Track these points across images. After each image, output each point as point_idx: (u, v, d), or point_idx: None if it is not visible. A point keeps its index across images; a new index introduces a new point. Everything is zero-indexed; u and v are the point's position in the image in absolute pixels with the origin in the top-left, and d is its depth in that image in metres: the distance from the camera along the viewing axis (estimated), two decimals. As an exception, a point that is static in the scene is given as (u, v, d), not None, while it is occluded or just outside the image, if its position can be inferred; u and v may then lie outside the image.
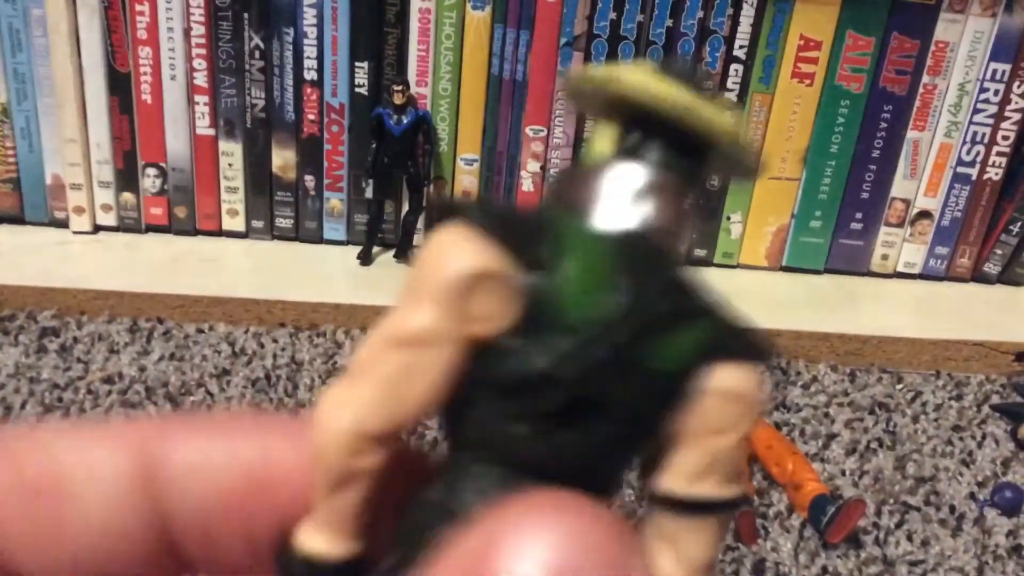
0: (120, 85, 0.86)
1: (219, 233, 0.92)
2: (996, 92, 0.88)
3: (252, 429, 0.18)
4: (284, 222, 0.92)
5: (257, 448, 0.17)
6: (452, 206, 0.16)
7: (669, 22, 0.85)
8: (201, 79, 0.86)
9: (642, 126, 0.17)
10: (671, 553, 0.17)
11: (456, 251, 0.15)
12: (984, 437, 0.77)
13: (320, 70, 0.86)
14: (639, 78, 0.16)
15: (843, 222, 0.93)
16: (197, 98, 0.87)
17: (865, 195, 0.92)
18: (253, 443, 0.17)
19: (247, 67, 0.86)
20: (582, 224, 0.16)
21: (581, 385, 0.15)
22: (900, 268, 0.96)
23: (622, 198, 0.17)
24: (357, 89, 0.86)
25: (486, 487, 0.16)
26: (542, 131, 0.89)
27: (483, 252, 0.15)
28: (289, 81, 0.86)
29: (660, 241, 0.17)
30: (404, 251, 0.90)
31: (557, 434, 0.16)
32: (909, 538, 0.66)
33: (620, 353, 0.15)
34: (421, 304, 0.15)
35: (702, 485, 0.17)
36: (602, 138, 0.17)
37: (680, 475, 0.17)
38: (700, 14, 0.84)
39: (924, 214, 0.93)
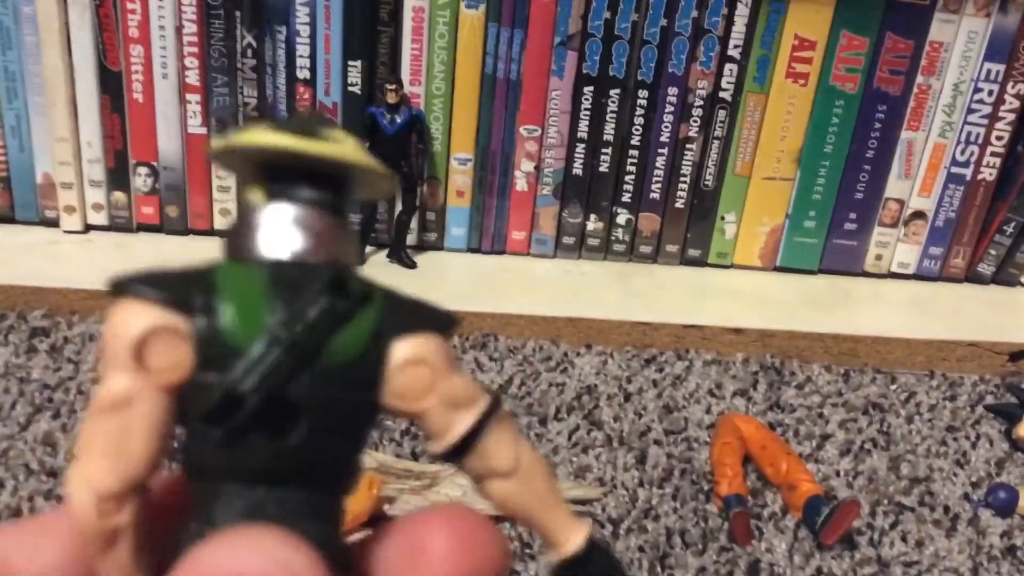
0: (111, 83, 0.85)
1: (211, 232, 0.91)
2: (990, 92, 0.88)
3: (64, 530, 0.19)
4: (277, 221, 0.91)
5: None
6: (116, 283, 0.19)
7: (663, 21, 0.85)
8: (193, 78, 0.85)
9: (280, 175, 0.20)
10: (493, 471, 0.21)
11: (124, 318, 0.18)
12: (978, 438, 0.77)
13: (313, 69, 0.85)
14: (251, 136, 0.20)
15: (837, 222, 0.93)
16: (189, 97, 0.86)
17: (859, 195, 0.92)
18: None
19: (239, 66, 0.85)
20: (237, 266, 0.19)
21: (263, 395, 0.18)
22: (894, 268, 0.96)
23: (274, 234, 0.20)
24: (350, 88, 0.86)
25: (233, 507, 0.18)
26: (536, 130, 0.89)
27: (146, 313, 0.18)
28: (282, 80, 0.86)
29: (315, 261, 0.20)
30: (397, 251, 0.89)
31: (265, 444, 0.18)
32: (903, 539, 0.66)
33: (291, 357, 0.18)
34: (112, 373, 0.18)
35: (459, 421, 0.20)
36: (253, 192, 0.21)
37: (439, 439, 0.20)
38: (694, 13, 0.84)
39: (918, 214, 0.93)
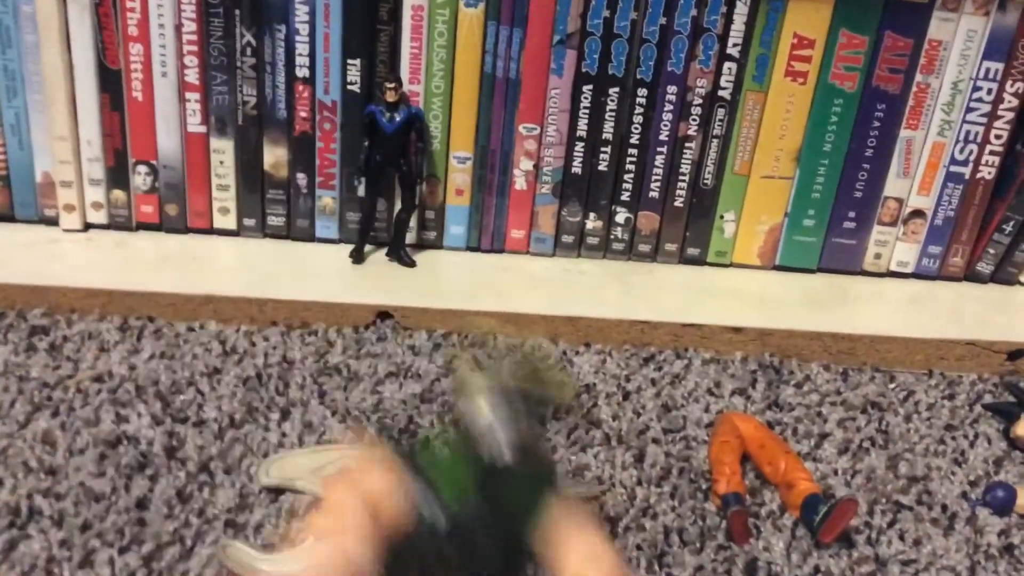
0: (111, 82, 0.85)
1: (210, 231, 0.91)
2: (989, 91, 0.88)
3: None
4: (276, 220, 0.91)
5: None
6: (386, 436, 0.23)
7: (663, 20, 0.85)
8: (192, 76, 0.85)
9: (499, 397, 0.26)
10: None
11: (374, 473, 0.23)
12: (976, 436, 0.77)
13: (312, 67, 0.85)
14: (506, 380, 0.26)
15: (836, 221, 0.93)
16: (188, 95, 0.86)
17: (858, 194, 0.92)
18: None
19: (239, 64, 0.85)
20: (463, 459, 0.25)
21: (459, 535, 0.23)
22: (893, 267, 0.96)
23: (488, 443, 0.25)
24: (349, 86, 0.86)
25: None
26: (535, 129, 0.89)
27: (386, 475, 0.23)
28: (281, 78, 0.86)
29: (513, 460, 0.25)
30: (396, 249, 0.89)
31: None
32: (901, 537, 0.66)
33: (480, 519, 0.24)
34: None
35: None
36: (480, 406, 0.26)
37: None
38: (693, 12, 0.84)
39: (917, 213, 0.93)
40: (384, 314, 0.83)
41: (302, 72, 0.85)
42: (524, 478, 0.24)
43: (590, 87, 0.87)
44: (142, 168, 0.89)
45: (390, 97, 0.83)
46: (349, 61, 0.85)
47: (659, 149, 0.90)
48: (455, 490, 0.23)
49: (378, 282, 0.86)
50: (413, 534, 0.22)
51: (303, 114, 0.87)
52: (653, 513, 0.65)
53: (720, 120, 0.89)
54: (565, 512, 0.24)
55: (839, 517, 0.63)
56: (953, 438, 0.76)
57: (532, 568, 0.24)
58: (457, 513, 0.23)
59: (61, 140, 0.86)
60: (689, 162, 0.91)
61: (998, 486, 0.70)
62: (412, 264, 0.90)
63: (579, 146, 0.89)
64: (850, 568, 0.63)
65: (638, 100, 0.88)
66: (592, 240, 0.94)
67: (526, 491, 0.24)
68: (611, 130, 0.89)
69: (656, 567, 0.61)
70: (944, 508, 0.69)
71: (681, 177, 0.91)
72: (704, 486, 0.68)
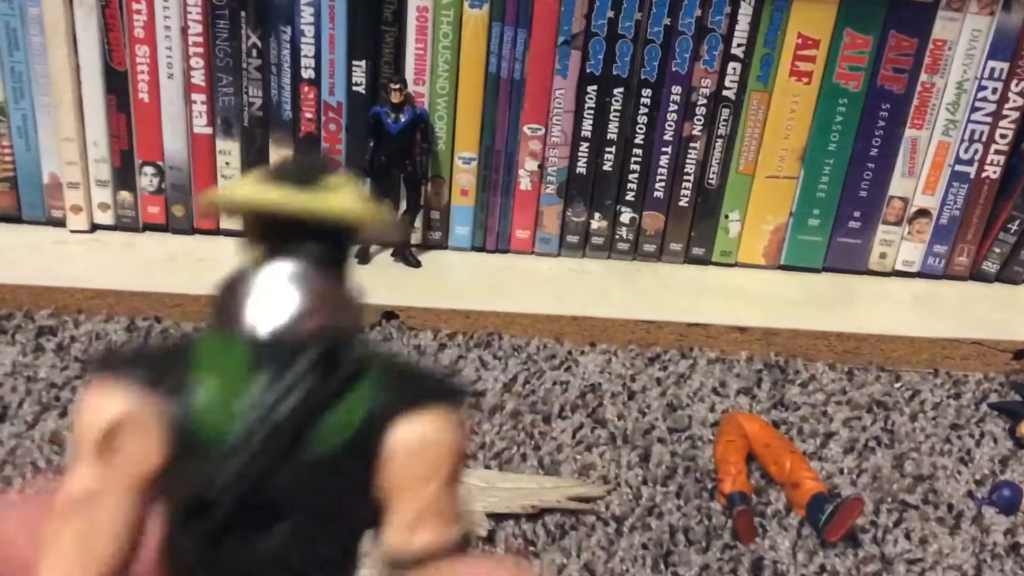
0: (117, 83, 0.86)
1: (217, 232, 0.92)
2: (994, 90, 0.88)
3: None
4: (282, 221, 0.91)
5: None
6: (98, 362, 0.17)
7: (667, 20, 0.85)
8: (198, 78, 0.86)
9: (279, 227, 0.18)
10: None
11: (94, 405, 0.16)
12: (982, 435, 0.77)
13: (317, 69, 0.86)
14: (246, 191, 0.18)
15: (841, 220, 0.93)
16: (194, 96, 0.86)
17: (863, 193, 0.92)
18: None
19: (244, 66, 0.86)
20: (220, 340, 0.17)
21: (236, 496, 0.16)
22: (898, 266, 0.96)
23: (266, 300, 0.18)
24: (354, 88, 0.86)
25: None
26: (540, 129, 0.89)
27: (116, 400, 0.16)
28: (287, 80, 0.86)
29: (310, 327, 0.17)
30: (401, 250, 0.90)
31: (245, 547, 0.16)
32: (907, 536, 0.66)
33: (267, 452, 0.16)
34: (77, 467, 0.16)
35: (420, 535, 0.17)
36: (250, 250, 0.19)
37: (397, 530, 0.17)
38: (698, 12, 0.84)
39: (922, 212, 0.93)
40: (390, 314, 0.83)
41: (307, 73, 0.86)
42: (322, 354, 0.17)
43: (595, 87, 0.87)
44: (148, 169, 0.89)
45: (395, 98, 0.83)
46: (354, 62, 0.85)
47: (664, 149, 0.90)
48: (217, 393, 0.16)
49: (383, 282, 0.87)
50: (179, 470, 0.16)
51: (308, 115, 0.87)
52: (659, 512, 0.65)
53: (725, 120, 0.89)
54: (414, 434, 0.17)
55: (845, 516, 0.63)
56: (959, 437, 0.76)
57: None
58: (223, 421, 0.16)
59: (68, 141, 0.87)
60: (694, 162, 0.91)
61: (1004, 485, 0.70)
62: (417, 264, 0.90)
63: (584, 146, 0.90)
64: (856, 567, 0.63)
65: (642, 100, 0.88)
66: (597, 240, 0.94)
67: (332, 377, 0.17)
68: (616, 130, 0.89)
69: (662, 566, 0.61)
70: (950, 507, 0.69)
71: (686, 177, 0.91)
72: (710, 485, 0.68)
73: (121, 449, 0.16)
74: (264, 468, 0.16)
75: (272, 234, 0.19)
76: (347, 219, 0.18)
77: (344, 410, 0.17)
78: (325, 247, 0.18)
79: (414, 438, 0.17)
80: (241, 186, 0.18)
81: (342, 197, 0.18)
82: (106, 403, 0.16)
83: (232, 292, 0.18)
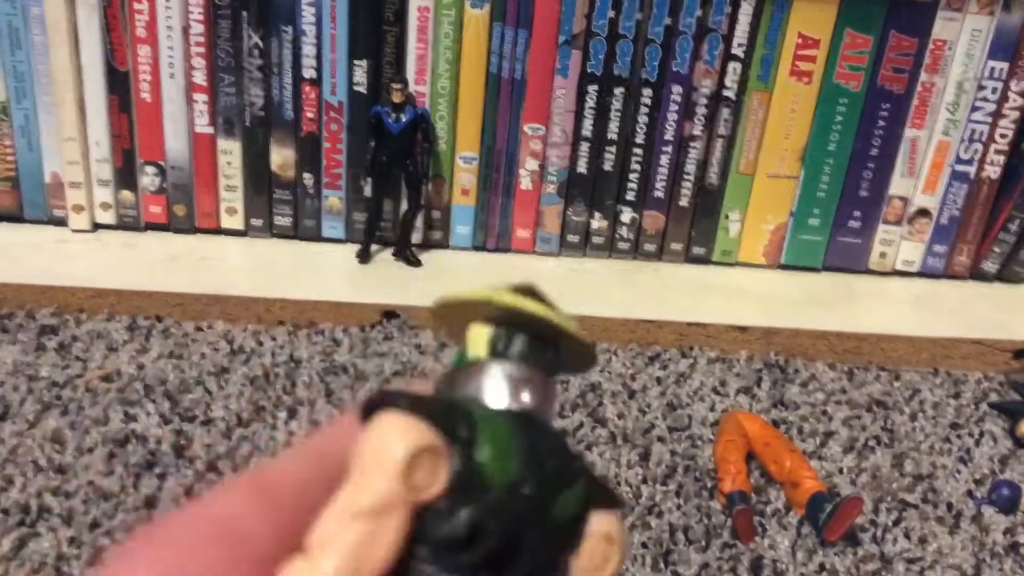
0: (119, 83, 0.86)
1: (218, 231, 0.92)
2: (994, 90, 0.88)
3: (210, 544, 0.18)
4: (283, 220, 0.92)
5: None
6: (384, 397, 0.19)
7: (668, 20, 0.85)
8: (200, 77, 0.86)
9: (506, 332, 0.21)
10: None
11: (398, 431, 0.18)
12: (982, 435, 0.77)
13: (319, 68, 0.86)
14: (513, 298, 0.21)
15: (841, 220, 0.93)
16: (196, 96, 0.87)
17: (863, 193, 0.92)
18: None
19: (246, 65, 0.86)
20: (485, 407, 0.20)
21: (500, 536, 0.18)
22: (898, 266, 0.96)
23: (506, 388, 0.20)
24: (356, 87, 0.86)
25: None
26: (541, 129, 0.89)
27: (421, 431, 0.18)
28: (288, 79, 0.86)
29: (540, 416, 0.20)
30: (403, 249, 0.90)
31: None
32: (907, 535, 0.66)
33: (532, 505, 0.19)
34: (374, 479, 0.18)
35: None
36: (476, 344, 0.21)
37: None
38: (699, 12, 0.85)
39: (922, 212, 0.94)
40: (390, 313, 0.83)
41: (309, 73, 0.86)
42: (557, 436, 0.20)
43: (595, 87, 0.87)
44: (150, 169, 0.89)
45: (396, 98, 0.84)
46: (355, 62, 0.86)
47: (664, 149, 0.90)
48: (495, 447, 0.19)
49: (384, 282, 0.87)
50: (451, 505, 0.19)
51: (310, 115, 0.88)
52: (659, 511, 0.66)
53: (725, 120, 0.89)
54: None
55: (844, 515, 0.63)
56: (959, 436, 0.76)
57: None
58: (497, 476, 0.19)
59: (70, 141, 0.87)
60: (694, 162, 0.91)
61: (1004, 484, 0.70)
62: (418, 264, 0.90)
63: (584, 146, 0.90)
64: (855, 566, 0.63)
65: (643, 100, 0.88)
66: (597, 240, 0.94)
67: (567, 453, 0.20)
68: (616, 130, 0.89)
69: (662, 565, 0.62)
70: (949, 506, 0.69)
71: (686, 177, 0.91)
72: (709, 484, 0.68)
73: (416, 474, 0.18)
74: (527, 517, 0.19)
75: (496, 341, 0.21)
76: (567, 333, 0.21)
77: (576, 489, 0.20)
78: (544, 355, 0.21)
79: (606, 530, 0.20)
80: (506, 296, 0.21)
81: (569, 319, 0.21)
82: (408, 432, 0.18)
83: (469, 379, 0.21)
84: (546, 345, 0.21)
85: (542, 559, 0.19)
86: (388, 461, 0.18)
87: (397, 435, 0.18)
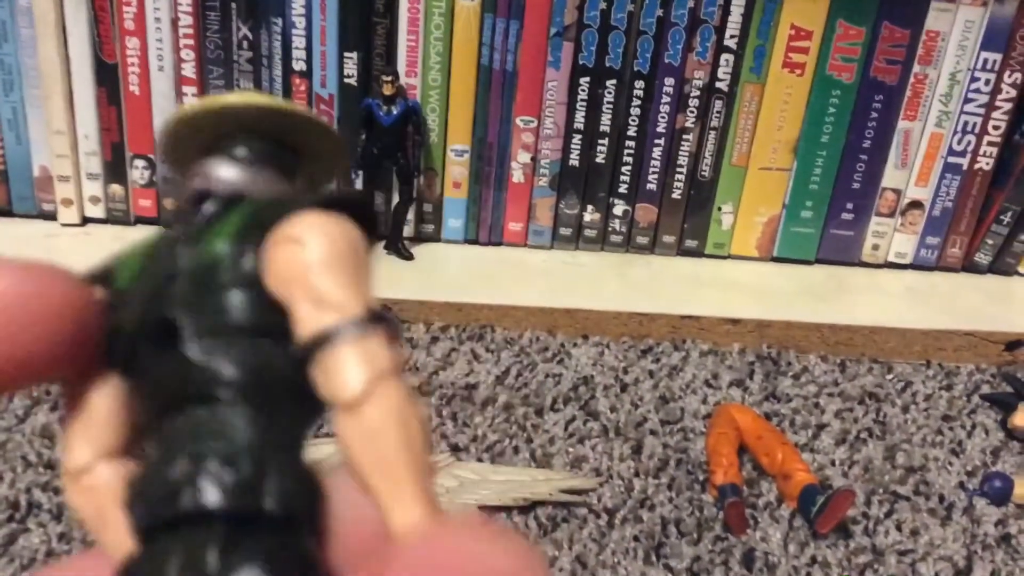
0: (108, 76, 0.85)
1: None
2: (987, 81, 0.88)
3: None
4: (274, 214, 0.91)
5: None
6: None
7: (660, 11, 0.84)
8: (189, 70, 0.85)
9: (237, 137, 0.19)
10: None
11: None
12: (974, 427, 0.77)
13: (309, 61, 0.85)
14: (238, 96, 0.19)
15: (834, 212, 0.93)
16: (185, 89, 0.86)
17: (856, 185, 0.92)
18: None
19: (235, 58, 0.85)
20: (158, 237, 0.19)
21: (141, 320, 0.17)
22: (891, 258, 0.96)
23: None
24: (346, 80, 0.86)
25: (180, 432, 0.17)
26: (532, 121, 0.89)
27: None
28: (278, 72, 0.86)
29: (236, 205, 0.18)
30: (394, 242, 0.89)
31: (166, 366, 0.17)
32: (898, 528, 0.66)
33: (156, 277, 0.18)
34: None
35: (309, 325, 0.17)
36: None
37: (302, 326, 0.17)
38: (691, 3, 0.84)
39: (915, 204, 0.93)
40: (382, 307, 0.83)
41: (299, 66, 0.85)
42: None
43: (587, 79, 0.87)
44: (140, 162, 0.89)
45: (387, 90, 0.83)
46: (346, 54, 0.85)
47: (656, 141, 0.90)
48: (126, 265, 0.18)
49: (376, 275, 0.86)
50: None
51: (300, 107, 0.87)
52: (651, 504, 0.65)
53: (718, 112, 0.89)
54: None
55: (836, 508, 0.63)
56: (951, 428, 0.76)
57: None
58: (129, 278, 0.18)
59: (58, 134, 0.86)
60: (687, 154, 0.91)
61: (995, 476, 0.70)
62: (410, 257, 0.90)
63: (576, 138, 0.89)
64: (847, 558, 0.63)
65: (635, 92, 0.88)
66: (590, 232, 0.94)
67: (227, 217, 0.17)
68: (608, 122, 0.89)
69: (654, 558, 0.62)
70: (941, 498, 0.69)
71: (679, 169, 0.91)
72: (701, 477, 0.68)
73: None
74: (155, 291, 0.17)
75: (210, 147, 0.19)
76: (288, 112, 0.19)
77: (224, 224, 0.17)
78: (265, 146, 0.19)
79: (279, 235, 0.17)
80: (230, 95, 0.19)
81: (302, 108, 0.19)
82: None
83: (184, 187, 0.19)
84: (279, 145, 0.19)
85: (204, 315, 0.17)
86: None
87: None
